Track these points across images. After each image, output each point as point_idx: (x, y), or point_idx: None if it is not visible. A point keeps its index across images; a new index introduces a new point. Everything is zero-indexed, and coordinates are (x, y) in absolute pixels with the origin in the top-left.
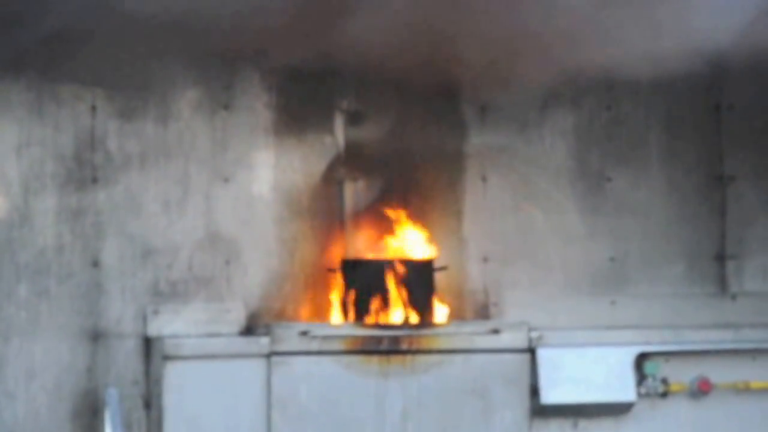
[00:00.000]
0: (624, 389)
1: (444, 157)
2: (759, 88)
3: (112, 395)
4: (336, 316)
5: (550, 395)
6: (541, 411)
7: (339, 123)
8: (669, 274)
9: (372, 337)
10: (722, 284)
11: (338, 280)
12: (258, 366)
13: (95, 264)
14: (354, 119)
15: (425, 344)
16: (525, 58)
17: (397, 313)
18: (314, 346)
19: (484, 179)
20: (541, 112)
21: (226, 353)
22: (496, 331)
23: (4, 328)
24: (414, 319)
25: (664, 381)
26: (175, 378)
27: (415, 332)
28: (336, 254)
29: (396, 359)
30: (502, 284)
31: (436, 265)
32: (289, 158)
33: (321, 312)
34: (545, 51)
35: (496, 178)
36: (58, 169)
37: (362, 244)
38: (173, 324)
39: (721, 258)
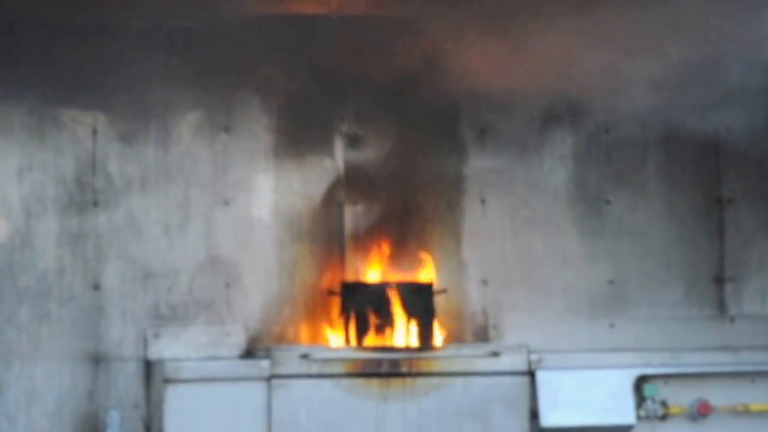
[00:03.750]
0: (623, 412)
1: (443, 180)
2: (757, 110)
3: (113, 418)
4: (336, 339)
5: (549, 418)
6: None
7: (339, 146)
8: (668, 296)
9: (372, 360)
10: (721, 307)
11: (338, 303)
12: (258, 389)
13: (96, 287)
14: (354, 142)
15: (425, 367)
16: (525, 81)
17: (397, 336)
18: (314, 369)
19: (483, 202)
20: (540, 135)
21: (226, 376)
22: (495, 354)
23: (5, 351)
24: (414, 342)
25: (664, 403)
26: (175, 401)
27: (414, 355)
28: (336, 277)
29: (396, 382)
30: (502, 307)
31: (436, 287)
32: (289, 181)
33: (321, 335)
34: (545, 74)
35: (495, 201)
36: (59, 192)
37: (362, 267)
38: (174, 347)
39: (719, 280)
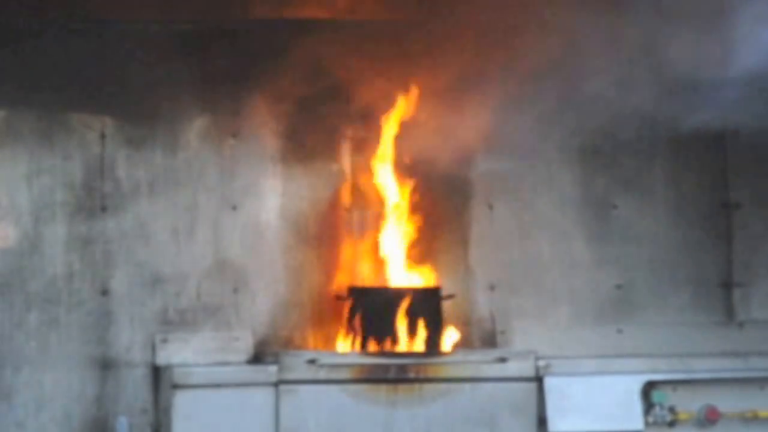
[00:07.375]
0: (631, 418)
1: (450, 185)
2: (764, 114)
3: (121, 424)
4: (344, 345)
5: (557, 424)
6: None
7: (346, 150)
8: (675, 302)
9: (380, 366)
10: (729, 312)
11: (346, 308)
12: (266, 394)
13: (104, 292)
14: (361, 146)
15: (433, 373)
16: (530, 86)
17: (405, 341)
18: (322, 374)
19: (490, 207)
20: (547, 140)
21: (234, 382)
22: (503, 360)
23: (14, 357)
24: (421, 347)
25: (672, 410)
26: (184, 406)
27: (422, 361)
28: (343, 282)
29: (404, 388)
30: (509, 312)
31: (443, 293)
32: (296, 186)
33: (329, 340)
34: (551, 79)
35: (502, 206)
36: (68, 197)
37: (369, 272)
38: (182, 352)
39: (727, 285)
